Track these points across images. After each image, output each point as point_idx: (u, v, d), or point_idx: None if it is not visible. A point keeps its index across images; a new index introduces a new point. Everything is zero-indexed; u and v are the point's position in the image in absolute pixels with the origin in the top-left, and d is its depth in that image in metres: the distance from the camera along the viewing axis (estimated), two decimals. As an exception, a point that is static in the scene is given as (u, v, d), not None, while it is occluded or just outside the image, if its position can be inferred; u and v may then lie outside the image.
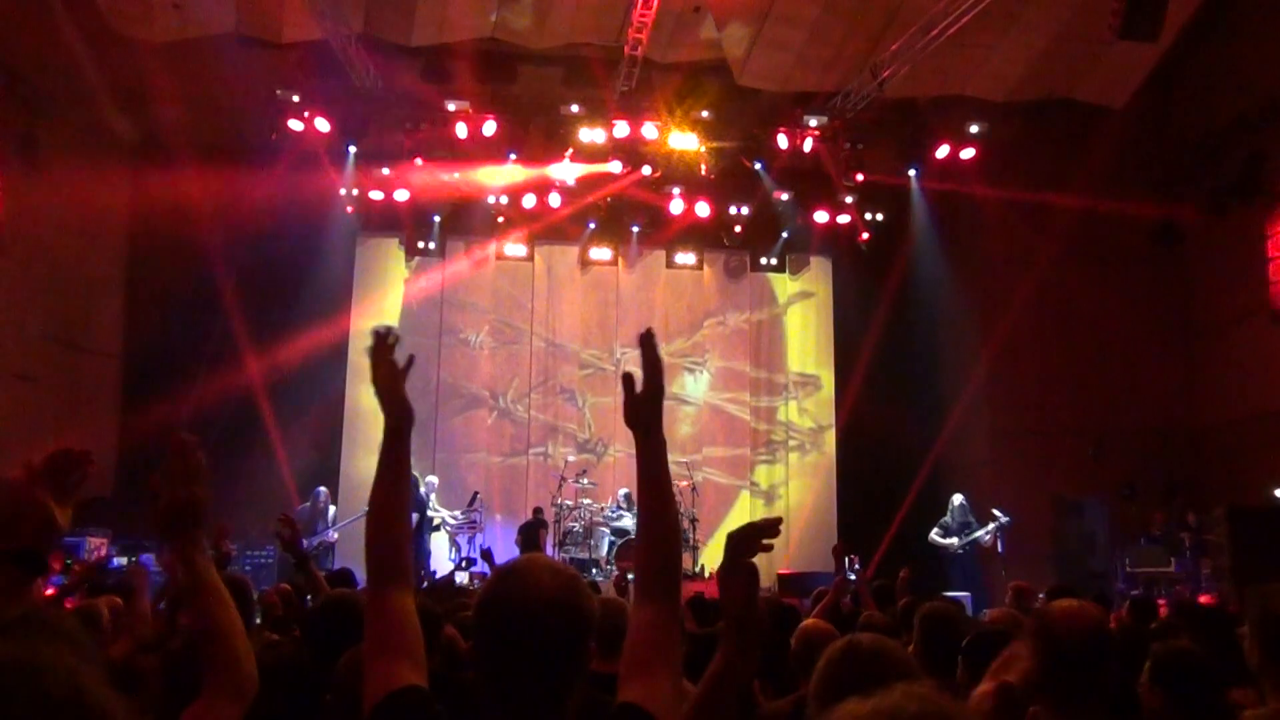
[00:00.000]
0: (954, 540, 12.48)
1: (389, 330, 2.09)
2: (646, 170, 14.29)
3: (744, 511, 15.77)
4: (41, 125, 12.02)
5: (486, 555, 7.85)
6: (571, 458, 14.75)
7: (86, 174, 13.32)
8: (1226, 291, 14.03)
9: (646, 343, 2.05)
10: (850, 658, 2.33)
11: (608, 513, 13.75)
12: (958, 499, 12.86)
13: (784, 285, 16.63)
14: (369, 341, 2.08)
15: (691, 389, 16.14)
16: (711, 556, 14.43)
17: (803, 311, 16.57)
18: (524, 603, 1.74)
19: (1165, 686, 2.94)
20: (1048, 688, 2.51)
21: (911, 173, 14.62)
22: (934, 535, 12.69)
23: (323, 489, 13.09)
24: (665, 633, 1.93)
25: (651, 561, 2.02)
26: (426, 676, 1.88)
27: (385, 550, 2.00)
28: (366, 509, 2.08)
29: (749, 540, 1.99)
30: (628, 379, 2.03)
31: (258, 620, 5.72)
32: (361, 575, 2.41)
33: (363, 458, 14.61)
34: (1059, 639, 2.51)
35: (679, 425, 15.86)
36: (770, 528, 2.01)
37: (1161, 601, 9.51)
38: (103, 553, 10.45)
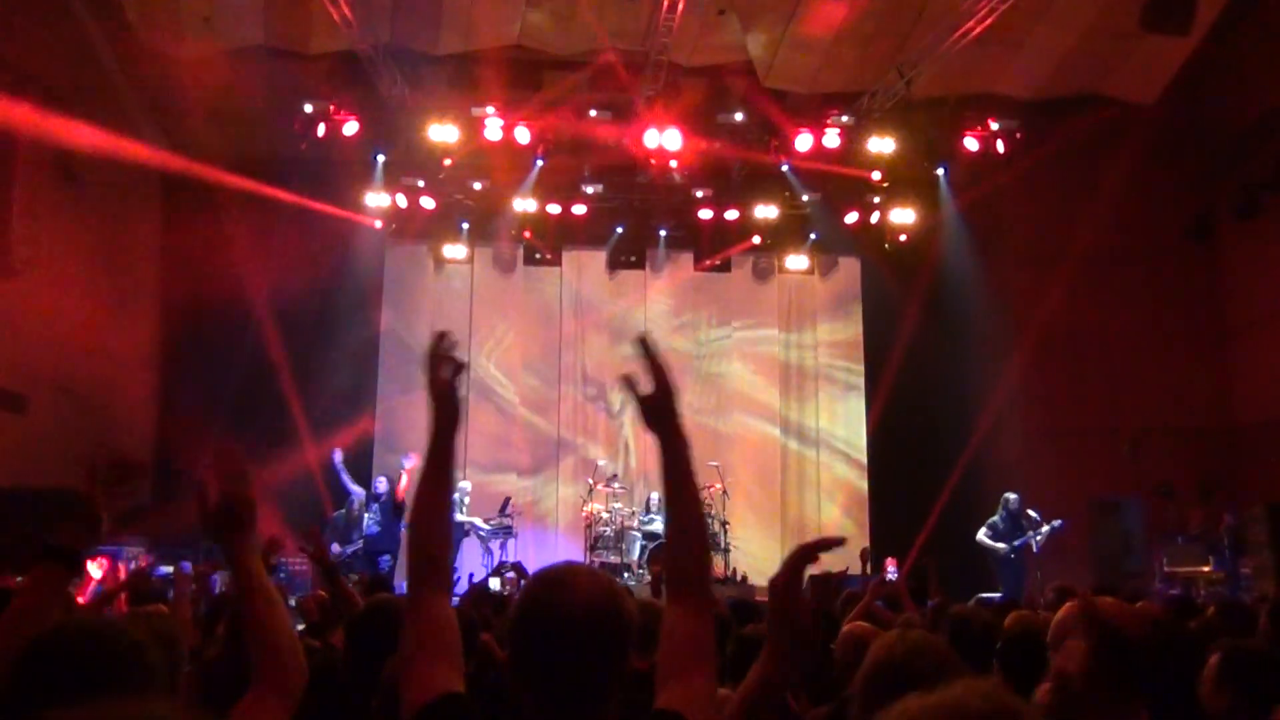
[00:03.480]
0: (1002, 545, 12.08)
1: (447, 333, 2.07)
2: (675, 167, 14.23)
3: (775, 515, 15.70)
4: (78, 141, 12.16)
5: (517, 568, 7.83)
6: (602, 462, 14.72)
7: (120, 187, 13.48)
8: (1261, 288, 13.84)
9: (644, 346, 2.01)
10: (901, 654, 2.30)
11: (639, 517, 13.72)
12: (1012, 498, 12.31)
13: (813, 287, 16.55)
14: (429, 344, 2.07)
15: (720, 390, 16.07)
16: (743, 560, 14.37)
17: (832, 313, 16.48)
18: (563, 609, 1.74)
19: (1235, 686, 2.87)
20: (1102, 684, 2.46)
21: (940, 172, 14.52)
22: (982, 536, 12.20)
23: (358, 495, 13.10)
24: (699, 634, 1.92)
25: (681, 562, 2.00)
26: (464, 682, 1.87)
27: (426, 553, 1.99)
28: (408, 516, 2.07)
29: (809, 556, 1.99)
30: (627, 381, 2.00)
31: (300, 626, 5.74)
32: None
33: (394, 467, 14.65)
34: (1118, 633, 2.46)
35: (708, 428, 15.82)
36: (831, 545, 2.03)
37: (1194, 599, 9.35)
38: (146, 561, 10.54)
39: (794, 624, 1.95)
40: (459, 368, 2.04)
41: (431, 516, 2.02)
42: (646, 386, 2.00)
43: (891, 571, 10.32)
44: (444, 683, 1.83)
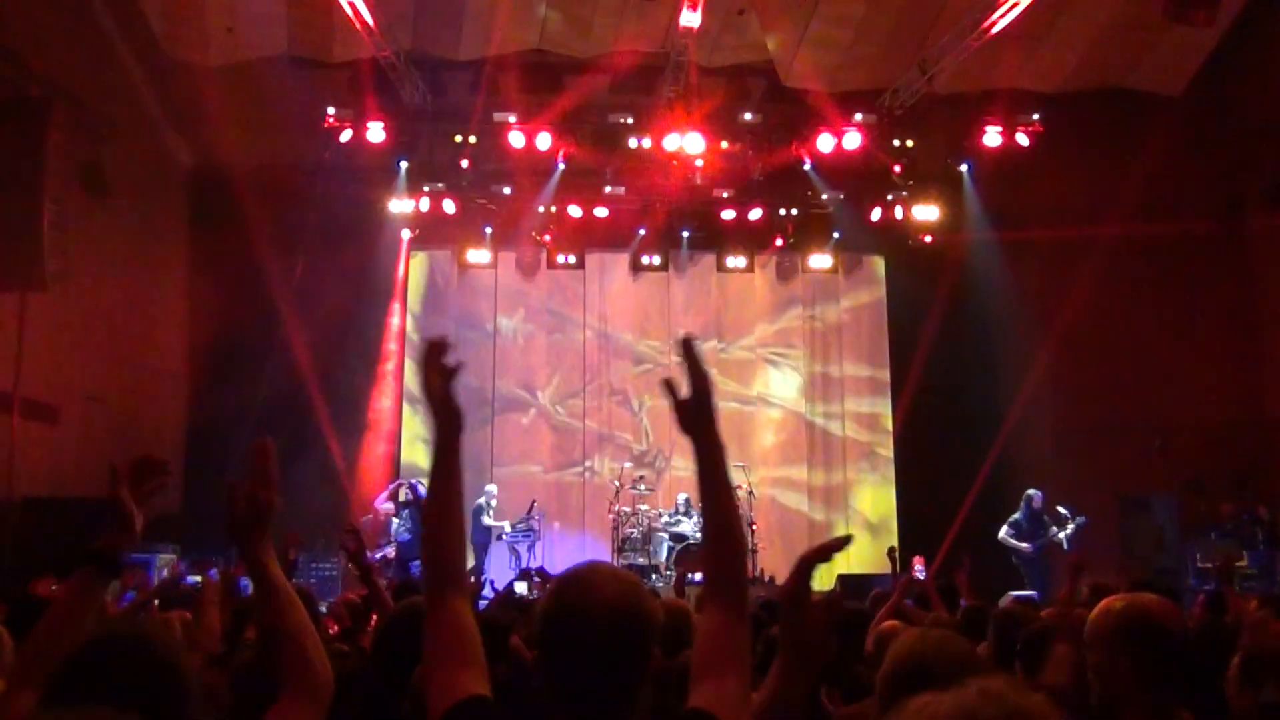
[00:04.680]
0: (1027, 545, 11.96)
1: (441, 339, 2.08)
2: (696, 168, 14.21)
3: (801, 514, 15.65)
4: (105, 153, 12.26)
5: (541, 574, 7.83)
6: (628, 464, 14.69)
7: (148, 198, 13.59)
8: (1292, 279, 13.68)
9: (688, 348, 2.00)
10: (920, 652, 2.29)
11: (666, 518, 13.69)
12: (1034, 494, 12.23)
13: (837, 286, 16.48)
14: (422, 351, 2.08)
15: (744, 390, 16.04)
16: (769, 562, 14.34)
17: (857, 311, 16.40)
18: (588, 609, 1.77)
19: (1258, 686, 2.81)
20: (1140, 684, 2.42)
21: (964, 168, 14.43)
22: (1005, 535, 12.11)
23: (386, 502, 13.16)
24: (734, 637, 1.92)
25: (718, 566, 2.00)
26: (489, 683, 1.88)
27: (439, 556, 2.00)
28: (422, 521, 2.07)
29: (816, 561, 1.97)
30: (668, 385, 2.00)
31: (329, 631, 5.75)
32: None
33: (423, 476, 14.74)
34: (1160, 632, 2.42)
35: (740, 430, 15.78)
36: (840, 546, 2.02)
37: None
38: (176, 569, 10.62)
39: (805, 635, 1.94)
40: (452, 373, 2.02)
41: (444, 522, 2.03)
42: (685, 390, 2.00)
43: (919, 569, 10.27)
44: (468, 686, 1.84)
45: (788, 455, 15.92)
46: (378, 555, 12.26)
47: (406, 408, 15.36)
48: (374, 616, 4.94)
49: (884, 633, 3.99)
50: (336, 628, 5.76)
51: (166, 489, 2.26)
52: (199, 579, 6.41)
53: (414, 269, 15.85)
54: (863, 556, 15.06)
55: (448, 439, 2.03)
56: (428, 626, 1.95)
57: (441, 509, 2.03)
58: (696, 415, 2.01)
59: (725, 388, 15.88)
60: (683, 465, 15.41)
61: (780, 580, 13.70)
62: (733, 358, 16.07)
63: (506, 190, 14.72)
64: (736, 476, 13.56)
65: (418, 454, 15.10)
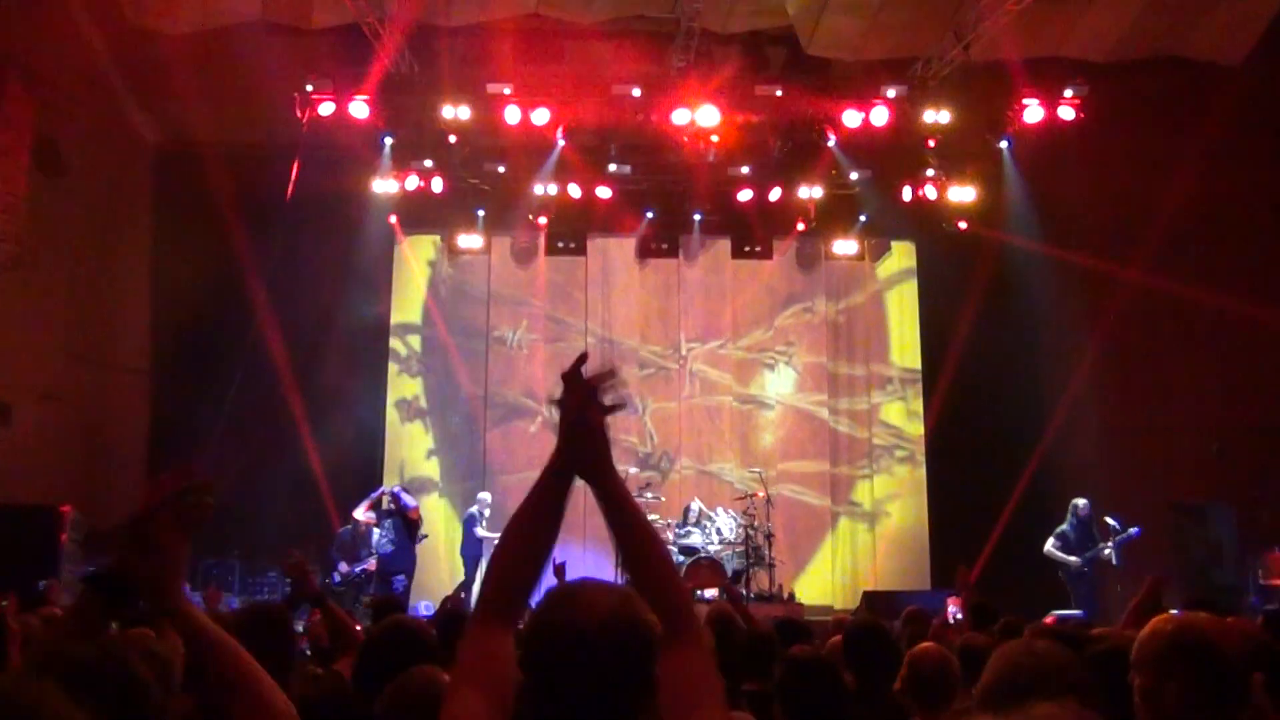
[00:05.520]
0: (1075, 559, 11.96)
1: (613, 368, 2.09)
2: (711, 144, 14.18)
3: (825, 524, 15.66)
4: (63, 129, 12.29)
5: (559, 571, 7.87)
6: (633, 470, 14.71)
7: (109, 178, 13.63)
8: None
9: (569, 377, 2.03)
10: (1019, 664, 2.34)
11: (674, 529, 13.70)
12: (1081, 504, 12.18)
13: (863, 273, 16.48)
14: (572, 368, 2.07)
15: (768, 391, 16.05)
16: (790, 575, 14.36)
17: (885, 302, 16.41)
18: (579, 626, 1.76)
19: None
20: (1189, 711, 2.43)
21: (1003, 144, 14.39)
22: (1051, 548, 12.05)
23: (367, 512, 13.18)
24: (698, 669, 1.94)
25: (661, 603, 1.96)
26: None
27: (500, 585, 2.03)
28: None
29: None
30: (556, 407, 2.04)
31: (307, 651, 5.77)
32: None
33: (408, 477, 14.79)
34: (1217, 654, 2.43)
35: (753, 433, 15.83)
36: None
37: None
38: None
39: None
40: (614, 408, 2.02)
41: (514, 553, 2.05)
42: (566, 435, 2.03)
43: (954, 610, 10.19)
44: (480, 716, 1.85)
45: (808, 459, 15.91)
46: (358, 569, 12.30)
47: (392, 409, 15.39)
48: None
49: (918, 656, 4.02)
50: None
51: (210, 509, 2.17)
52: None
53: (399, 254, 15.85)
54: (890, 571, 15.10)
55: (564, 471, 2.05)
56: (463, 644, 1.98)
57: (525, 536, 2.05)
58: (587, 456, 2.03)
59: (738, 387, 15.89)
60: (690, 465, 15.46)
61: (800, 596, 13.77)
62: (747, 354, 16.06)
63: (501, 169, 14.71)
64: (752, 484, 13.75)
65: (403, 460, 15.16)
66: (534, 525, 2.05)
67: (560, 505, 2.06)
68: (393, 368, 15.49)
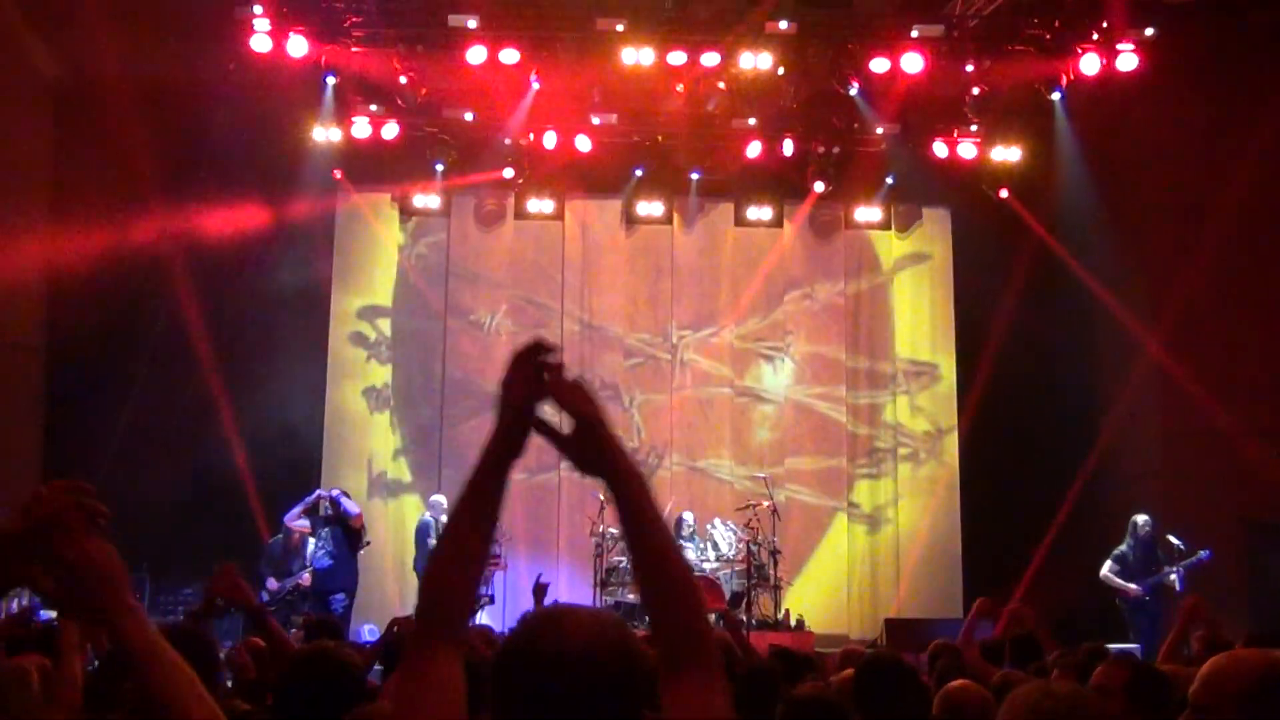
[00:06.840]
0: (1136, 587, 11.92)
1: (543, 342, 2.09)
2: (715, 91, 14.12)
3: (840, 538, 15.65)
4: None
5: (539, 591, 7.91)
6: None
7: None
8: None
9: (548, 374, 2.04)
10: (1042, 710, 2.31)
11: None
12: (1142, 520, 12.29)
13: (889, 245, 16.49)
14: (518, 349, 2.09)
15: (770, 382, 16.05)
16: (799, 598, 14.34)
17: (914, 280, 16.43)
18: (551, 655, 1.78)
19: None
20: None
21: (1055, 96, 14.38)
22: (1107, 572, 12.16)
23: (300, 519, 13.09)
24: (713, 700, 1.93)
25: (671, 623, 2.00)
26: None
27: (440, 595, 2.04)
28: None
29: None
30: (542, 426, 2.06)
31: (229, 684, 5.70)
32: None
33: (349, 475, 14.70)
34: None
35: (755, 430, 15.84)
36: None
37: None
38: (28, 603, 10.52)
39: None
40: (541, 391, 2.05)
41: (458, 559, 2.07)
42: (567, 423, 2.04)
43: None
44: None
45: (821, 462, 15.92)
46: (289, 583, 12.24)
47: (331, 398, 15.28)
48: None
49: (953, 694, 4.08)
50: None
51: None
52: (54, 614, 6.32)
53: (343, 215, 15.78)
54: (916, 596, 15.07)
55: (496, 459, 2.06)
56: (402, 673, 2.00)
57: (461, 540, 2.07)
58: (590, 450, 2.03)
59: (744, 375, 15.85)
60: (680, 462, 15.44)
61: (810, 624, 13.75)
62: (750, 340, 16.04)
63: (467, 116, 14.62)
64: (757, 491, 13.70)
65: (347, 459, 15.08)
66: (474, 531, 2.07)
67: (498, 502, 2.09)
68: (333, 349, 15.38)
